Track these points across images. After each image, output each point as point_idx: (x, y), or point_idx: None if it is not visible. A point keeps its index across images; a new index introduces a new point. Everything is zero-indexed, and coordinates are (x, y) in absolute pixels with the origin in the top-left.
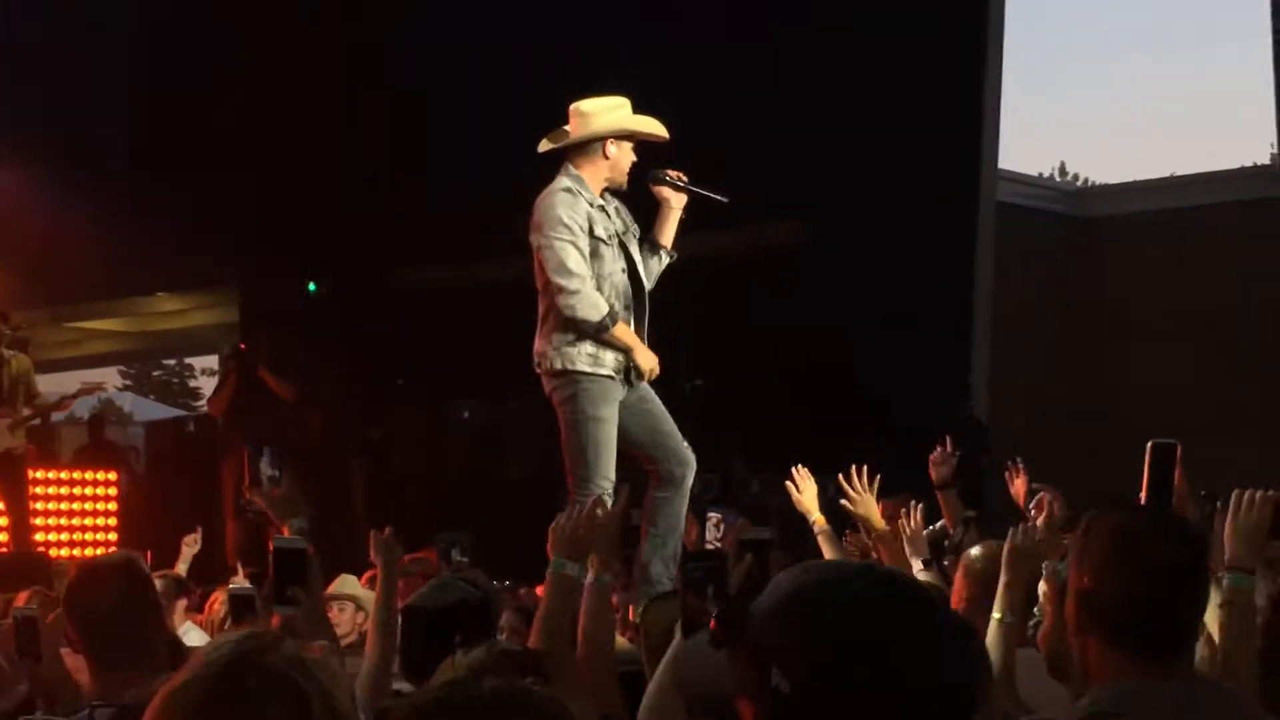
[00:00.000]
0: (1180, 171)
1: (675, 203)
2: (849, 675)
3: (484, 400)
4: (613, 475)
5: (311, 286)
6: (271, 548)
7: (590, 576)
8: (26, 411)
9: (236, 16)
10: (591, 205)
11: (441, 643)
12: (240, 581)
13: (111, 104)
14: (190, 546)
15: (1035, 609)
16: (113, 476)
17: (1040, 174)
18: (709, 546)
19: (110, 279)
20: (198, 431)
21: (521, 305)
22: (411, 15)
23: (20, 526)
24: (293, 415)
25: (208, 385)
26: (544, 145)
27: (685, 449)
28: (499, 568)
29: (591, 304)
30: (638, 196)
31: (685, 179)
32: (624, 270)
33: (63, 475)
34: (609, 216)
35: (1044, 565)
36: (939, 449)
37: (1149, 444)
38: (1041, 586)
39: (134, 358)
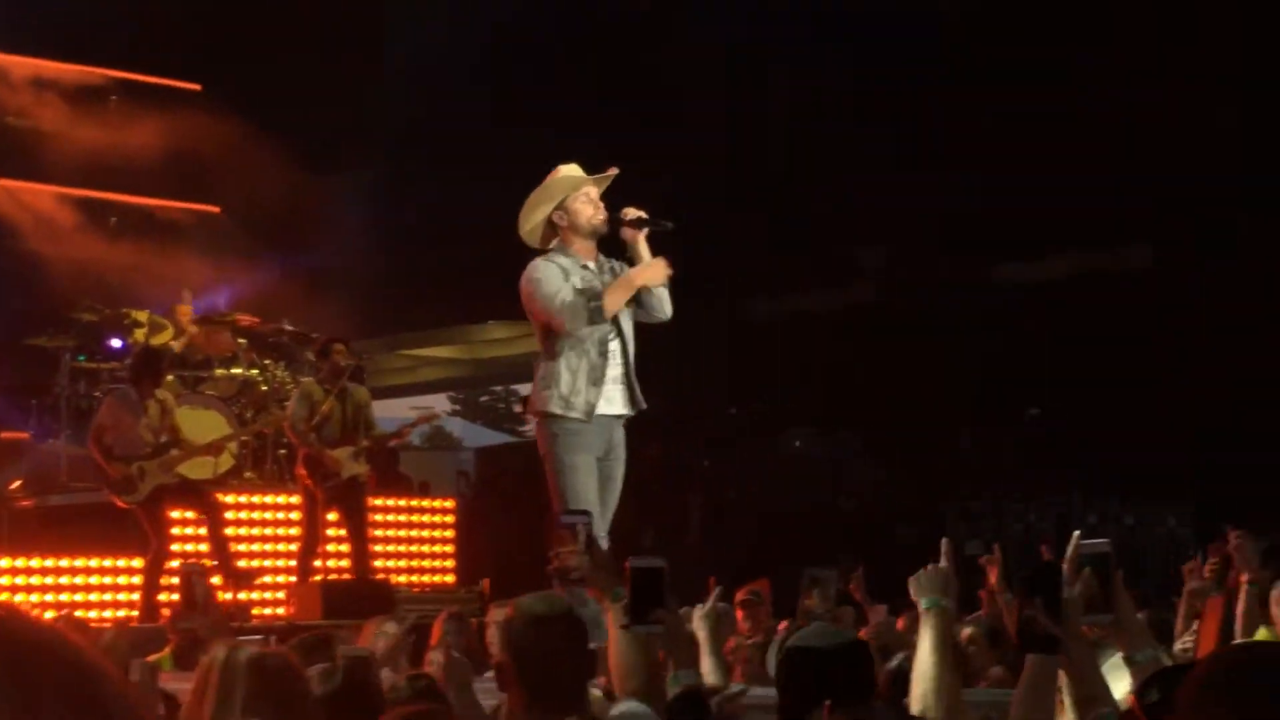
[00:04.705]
0: None
1: (635, 237)
2: None
3: (816, 430)
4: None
5: None
6: (628, 567)
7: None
8: (366, 442)
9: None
10: (570, 264)
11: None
12: None
13: (447, 137)
14: None
15: None
16: (450, 504)
17: None
18: None
19: (444, 308)
20: (528, 456)
21: (855, 334)
22: None
23: (361, 554)
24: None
25: None
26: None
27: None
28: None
29: (572, 313)
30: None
31: (642, 214)
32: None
33: (401, 503)
34: (590, 272)
35: None
36: None
37: None
38: None
39: (463, 385)
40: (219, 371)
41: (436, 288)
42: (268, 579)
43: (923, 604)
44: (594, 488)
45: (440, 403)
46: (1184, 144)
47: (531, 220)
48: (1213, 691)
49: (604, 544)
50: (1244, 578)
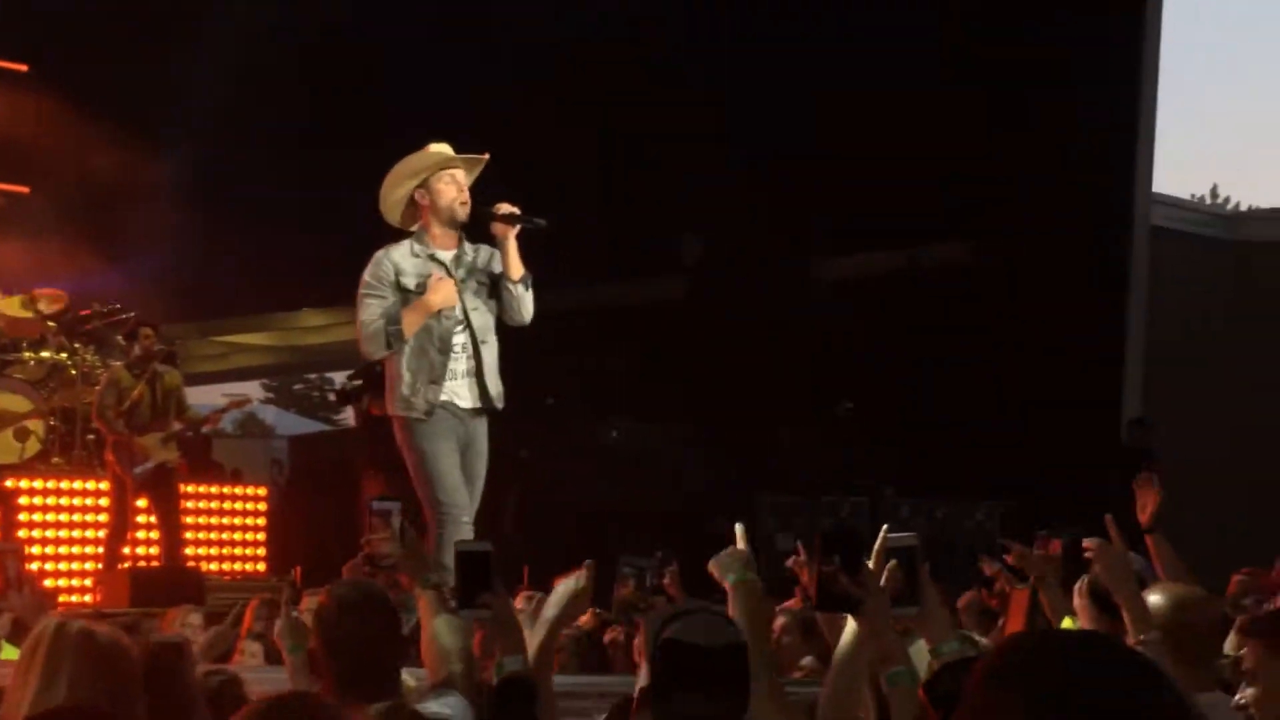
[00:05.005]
0: None
1: (505, 233)
2: None
3: (633, 422)
4: (459, 501)
5: None
6: (456, 551)
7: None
8: (177, 426)
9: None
10: (414, 256)
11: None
12: None
13: (265, 125)
14: None
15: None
16: (262, 492)
17: (1193, 196)
18: None
19: (258, 294)
20: (342, 445)
21: (671, 327)
22: None
23: (172, 541)
24: None
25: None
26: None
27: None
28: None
29: (372, 339)
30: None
31: (515, 210)
32: (446, 316)
33: (213, 490)
34: (440, 265)
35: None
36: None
37: None
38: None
39: (277, 372)
40: (27, 355)
41: (251, 273)
42: (75, 566)
43: (729, 579)
44: (457, 472)
45: (253, 390)
46: (997, 141)
47: (393, 196)
48: (1003, 678)
49: (471, 532)
50: (1034, 577)
